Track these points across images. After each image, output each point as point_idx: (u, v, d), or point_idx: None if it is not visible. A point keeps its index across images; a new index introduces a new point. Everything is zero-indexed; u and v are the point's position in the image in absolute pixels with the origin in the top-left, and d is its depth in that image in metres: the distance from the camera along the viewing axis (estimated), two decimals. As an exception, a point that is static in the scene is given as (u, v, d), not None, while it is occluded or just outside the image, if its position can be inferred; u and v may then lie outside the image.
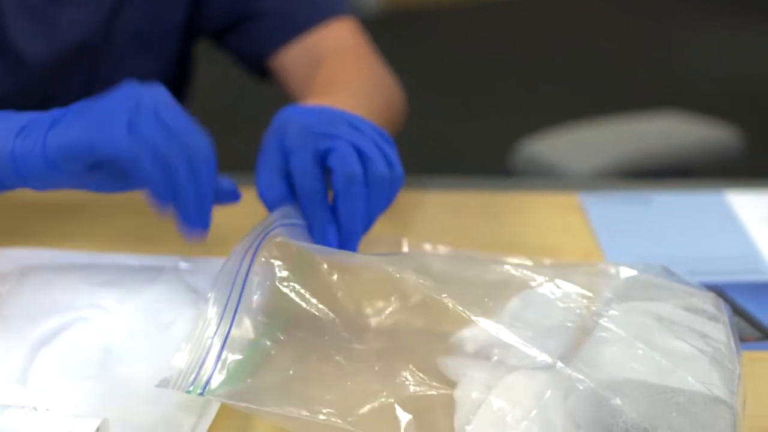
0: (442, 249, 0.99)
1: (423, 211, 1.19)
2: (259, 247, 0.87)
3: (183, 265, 0.98)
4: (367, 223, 0.93)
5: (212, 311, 0.83)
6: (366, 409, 0.79)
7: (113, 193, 0.90)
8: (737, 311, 1.00)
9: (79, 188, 0.90)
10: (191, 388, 0.78)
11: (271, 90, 1.40)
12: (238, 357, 0.81)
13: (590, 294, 0.91)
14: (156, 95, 0.87)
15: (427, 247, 0.99)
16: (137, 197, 0.90)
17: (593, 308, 0.88)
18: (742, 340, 0.96)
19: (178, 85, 1.40)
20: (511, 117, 3.28)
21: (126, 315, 0.90)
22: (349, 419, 0.78)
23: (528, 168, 2.27)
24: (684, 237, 1.16)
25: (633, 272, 0.94)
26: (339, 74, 1.22)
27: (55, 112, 0.87)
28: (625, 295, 0.89)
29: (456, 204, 1.20)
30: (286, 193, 0.93)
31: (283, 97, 1.26)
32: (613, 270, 0.94)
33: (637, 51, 4.46)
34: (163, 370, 0.80)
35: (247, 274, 0.85)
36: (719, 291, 1.02)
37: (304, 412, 0.78)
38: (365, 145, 0.92)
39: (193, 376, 0.79)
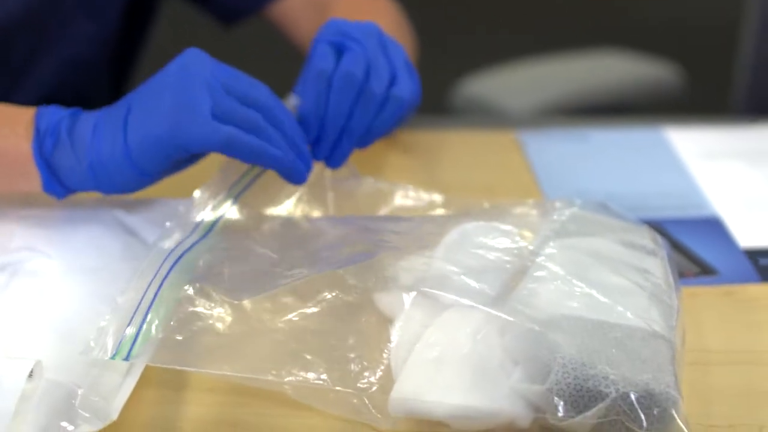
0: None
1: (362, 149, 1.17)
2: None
3: (121, 209, 0.96)
4: (351, 134, 0.93)
5: (142, 278, 0.82)
6: (296, 355, 0.78)
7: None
8: (676, 247, 1.00)
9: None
10: (115, 354, 0.77)
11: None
12: (164, 318, 0.80)
13: (528, 232, 0.90)
14: (207, 63, 0.86)
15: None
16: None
17: (531, 246, 0.88)
18: (681, 275, 0.96)
19: (129, 47, 1.38)
20: (450, 57, 3.26)
21: (60, 257, 0.89)
22: (282, 373, 0.77)
23: (467, 107, 2.26)
24: (622, 173, 1.15)
25: (571, 209, 0.93)
26: (358, 14, 1.17)
27: (118, 109, 0.87)
28: (563, 232, 0.89)
29: (394, 143, 1.19)
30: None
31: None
32: (551, 207, 0.93)
33: (578, -10, 4.45)
34: (96, 312, 0.79)
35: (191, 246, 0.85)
36: (658, 227, 1.01)
37: (240, 373, 0.77)
38: (374, 59, 0.92)
39: (116, 341, 0.77)
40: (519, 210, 0.94)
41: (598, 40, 2.89)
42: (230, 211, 0.91)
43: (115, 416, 0.74)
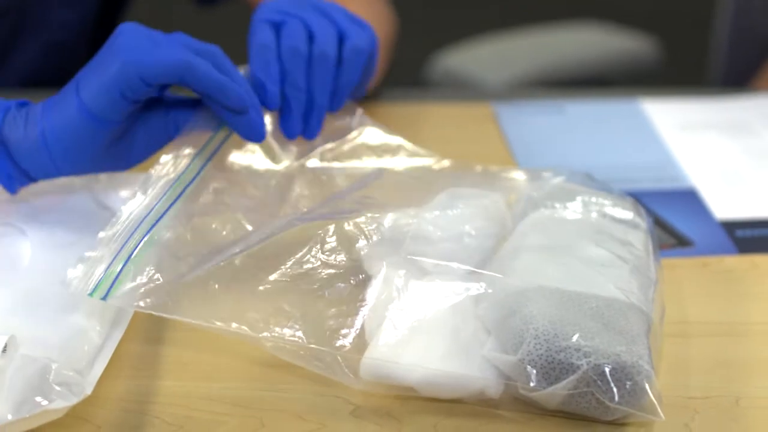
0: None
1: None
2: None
3: (96, 184, 0.95)
4: (317, 103, 0.92)
5: (127, 216, 0.81)
6: (272, 309, 0.78)
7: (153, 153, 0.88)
8: (653, 219, 1.00)
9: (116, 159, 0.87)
10: (93, 292, 0.76)
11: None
12: (145, 260, 0.79)
13: (514, 200, 0.90)
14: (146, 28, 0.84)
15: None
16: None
17: (514, 215, 0.88)
18: (658, 247, 0.95)
19: (108, 31, 1.37)
20: (427, 30, 3.25)
21: (34, 232, 0.88)
22: (260, 326, 0.76)
23: (444, 80, 2.26)
24: (598, 146, 1.15)
25: (557, 179, 0.92)
26: None
27: (67, 85, 0.84)
28: (547, 202, 0.88)
29: (369, 116, 1.19)
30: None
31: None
32: (537, 176, 0.93)
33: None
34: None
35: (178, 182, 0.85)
36: (635, 199, 1.01)
37: (217, 323, 0.76)
38: (316, 23, 0.91)
39: (97, 278, 0.76)
40: (508, 177, 0.94)
41: (575, 13, 2.89)
42: (205, 169, 0.89)
43: (89, 391, 0.73)
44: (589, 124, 1.20)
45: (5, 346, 0.73)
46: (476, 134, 1.17)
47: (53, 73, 1.32)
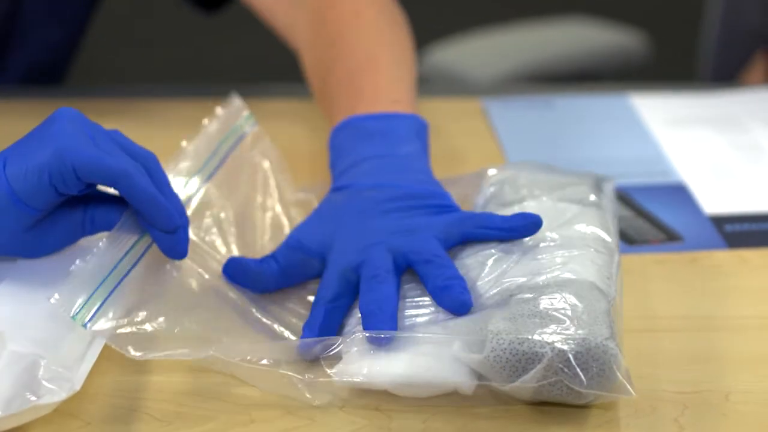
0: None
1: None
2: None
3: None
4: None
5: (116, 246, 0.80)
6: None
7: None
8: (641, 213, 1.00)
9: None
10: (76, 316, 0.75)
11: None
12: (127, 295, 0.78)
13: (468, 199, 0.91)
14: (81, 116, 0.79)
15: None
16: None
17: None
18: (647, 242, 0.96)
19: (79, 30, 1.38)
20: (415, 25, 3.25)
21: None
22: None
23: (433, 76, 2.26)
24: (588, 141, 1.15)
25: (505, 174, 0.91)
26: (352, 39, 1.05)
27: None
28: (498, 200, 0.88)
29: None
30: None
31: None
32: (483, 175, 0.92)
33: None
34: (60, 282, 0.77)
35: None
36: (624, 194, 1.01)
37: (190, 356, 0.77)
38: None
39: (80, 302, 0.76)
40: (461, 179, 0.93)
41: (564, 8, 2.89)
42: None
43: (78, 387, 0.73)
44: (578, 119, 1.20)
45: (-6, 342, 0.73)
46: (466, 130, 1.17)
47: (42, 75, 1.32)
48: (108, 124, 0.81)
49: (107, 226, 0.81)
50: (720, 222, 1.00)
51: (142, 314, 0.78)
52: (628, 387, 0.72)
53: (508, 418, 0.75)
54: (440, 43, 2.37)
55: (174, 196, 0.81)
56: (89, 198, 0.81)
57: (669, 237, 0.98)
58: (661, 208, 1.02)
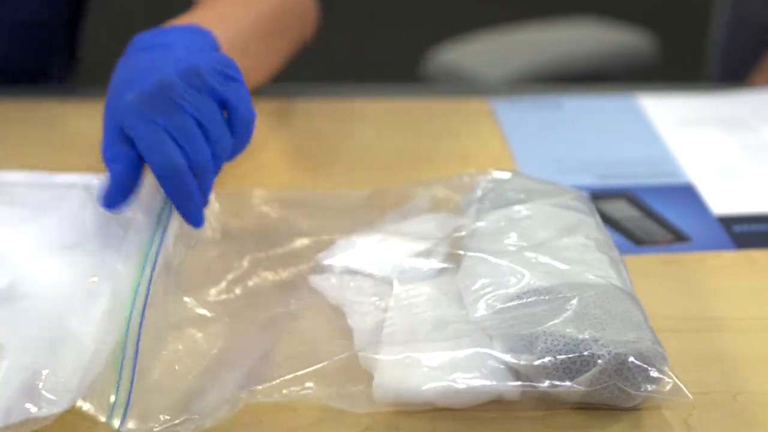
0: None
1: (335, 117, 1.17)
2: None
3: (95, 182, 0.94)
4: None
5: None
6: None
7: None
8: (650, 214, 1.00)
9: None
10: (111, 420, 0.73)
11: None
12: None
13: (459, 206, 0.90)
14: None
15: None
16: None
17: (469, 223, 0.87)
18: (655, 242, 0.96)
19: (80, 9, 1.37)
20: (424, 25, 3.25)
21: (30, 236, 0.86)
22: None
23: (441, 76, 2.26)
24: (596, 141, 1.15)
25: (498, 177, 0.92)
26: None
27: None
28: (500, 202, 0.88)
29: (367, 111, 1.19)
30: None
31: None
32: (472, 180, 0.92)
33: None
34: (65, 294, 0.77)
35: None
36: (632, 194, 1.01)
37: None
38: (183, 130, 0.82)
39: (111, 402, 0.74)
40: (449, 183, 0.93)
41: (573, 8, 2.89)
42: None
43: (80, 398, 0.73)
44: (586, 120, 1.20)
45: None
46: (474, 130, 1.17)
47: (27, 50, 1.31)
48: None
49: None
50: (728, 222, 1.00)
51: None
52: (684, 390, 0.73)
53: (509, 418, 0.75)
54: (449, 43, 2.38)
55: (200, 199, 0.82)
56: None
57: (677, 237, 0.98)
58: (669, 208, 1.02)
